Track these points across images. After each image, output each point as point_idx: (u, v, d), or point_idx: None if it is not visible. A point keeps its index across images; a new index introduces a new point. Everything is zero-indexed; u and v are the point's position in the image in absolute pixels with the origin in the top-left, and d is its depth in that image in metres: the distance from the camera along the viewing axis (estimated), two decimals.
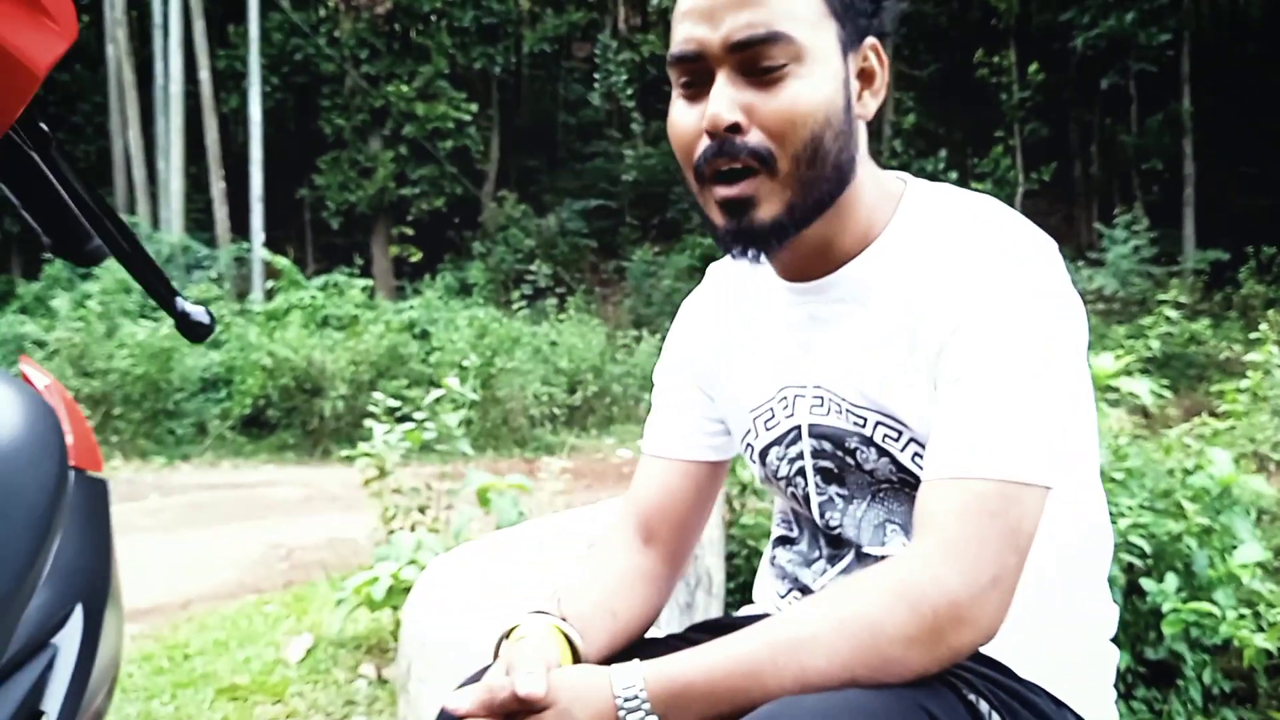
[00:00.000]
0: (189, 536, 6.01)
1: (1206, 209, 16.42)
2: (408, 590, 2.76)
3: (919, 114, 17.69)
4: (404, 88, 18.43)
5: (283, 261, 14.74)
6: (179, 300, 1.01)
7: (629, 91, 19.08)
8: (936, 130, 18.11)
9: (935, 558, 0.88)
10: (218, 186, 17.10)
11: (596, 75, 19.49)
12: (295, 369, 11.10)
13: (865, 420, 1.03)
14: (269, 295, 14.65)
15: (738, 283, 1.16)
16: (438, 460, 4.58)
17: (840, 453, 1.06)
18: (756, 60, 0.94)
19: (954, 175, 17.07)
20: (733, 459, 1.23)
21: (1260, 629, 3.93)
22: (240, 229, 16.58)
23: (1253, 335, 5.69)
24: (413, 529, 3.78)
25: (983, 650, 0.96)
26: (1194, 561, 4.04)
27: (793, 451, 1.10)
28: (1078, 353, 0.97)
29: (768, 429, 1.12)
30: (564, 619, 1.01)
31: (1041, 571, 1.00)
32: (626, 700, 0.84)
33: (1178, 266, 15.42)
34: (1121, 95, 17.52)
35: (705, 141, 0.96)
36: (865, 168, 1.03)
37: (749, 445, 1.15)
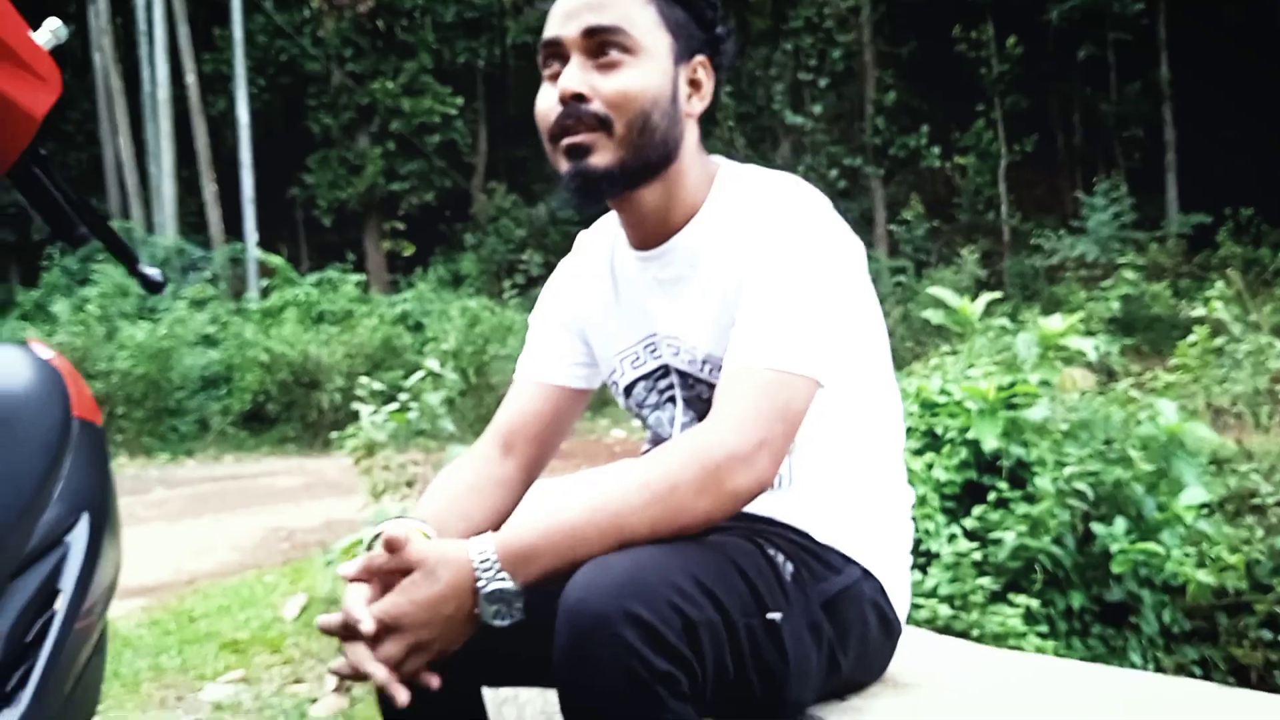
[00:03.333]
0: (193, 524, 6.25)
1: (1188, 174, 16.61)
2: None
3: (900, 91, 17.84)
4: (389, 84, 18.59)
5: (276, 260, 14.96)
6: (140, 265, 1.34)
7: None
8: (919, 106, 18.26)
9: (719, 425, 1.13)
10: (209, 189, 17.28)
11: None
12: (292, 364, 11.34)
13: (697, 359, 1.29)
14: (264, 293, 14.87)
15: (603, 249, 1.42)
16: (431, 445, 4.81)
17: (689, 386, 1.33)
18: (601, 47, 1.21)
19: (937, 150, 17.25)
20: (593, 393, 1.49)
21: (1204, 566, 4.16)
22: (234, 230, 16.78)
23: (1209, 293, 5.91)
24: (401, 501, 4.01)
25: (786, 520, 1.23)
26: (1142, 506, 4.25)
27: (662, 384, 1.36)
28: (846, 281, 1.23)
29: (634, 368, 1.38)
30: (423, 520, 1.24)
31: (839, 456, 1.28)
32: (482, 562, 1.06)
33: (1160, 231, 15.63)
34: (1100, 65, 17.68)
35: (558, 109, 1.23)
36: (694, 156, 1.29)
37: (615, 381, 1.42)
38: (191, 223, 17.71)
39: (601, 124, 1.20)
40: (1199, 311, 5.44)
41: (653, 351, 1.35)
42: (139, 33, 16.97)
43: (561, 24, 1.23)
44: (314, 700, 2.86)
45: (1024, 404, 4.24)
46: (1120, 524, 4.09)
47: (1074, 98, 18.71)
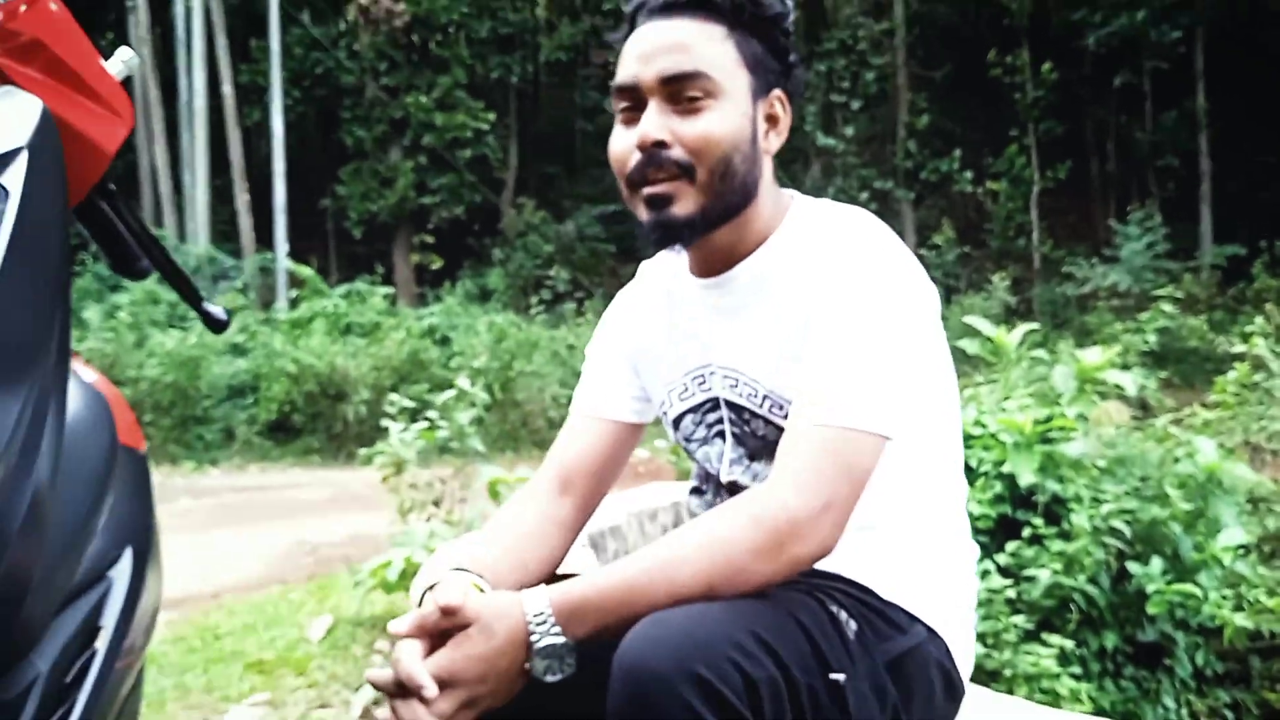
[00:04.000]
0: (219, 535, 6.26)
1: (1224, 204, 16.43)
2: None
3: (933, 114, 17.77)
4: (423, 98, 18.69)
5: (306, 271, 15.04)
6: (204, 303, 1.30)
7: None
8: (951, 130, 18.17)
9: (781, 486, 1.09)
10: (242, 199, 17.44)
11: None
12: (319, 375, 11.37)
13: (757, 393, 1.25)
14: (293, 304, 14.94)
15: (663, 278, 1.38)
16: (458, 462, 4.79)
17: (744, 422, 1.28)
18: (681, 92, 1.18)
19: (969, 175, 17.15)
20: (648, 426, 1.44)
21: (1241, 608, 4.07)
22: (265, 240, 16.90)
23: (1248, 328, 5.81)
24: (428, 521, 3.99)
25: (848, 575, 1.18)
26: (1179, 546, 4.16)
27: (711, 418, 1.32)
28: (921, 328, 1.19)
29: (682, 400, 1.34)
30: (480, 575, 1.19)
31: (903, 510, 1.22)
32: (536, 617, 1.04)
33: (1194, 262, 15.46)
34: (1136, 92, 17.56)
35: (637, 155, 1.19)
36: (769, 191, 1.26)
37: (665, 413, 1.38)
38: (223, 231, 17.85)
39: (683, 171, 1.17)
40: (1239, 347, 5.35)
41: (701, 384, 1.31)
42: (177, 43, 17.17)
43: (638, 68, 1.19)
44: None
45: (1060, 438, 4.17)
46: (1156, 564, 4.01)
47: (1109, 125, 18.58)
